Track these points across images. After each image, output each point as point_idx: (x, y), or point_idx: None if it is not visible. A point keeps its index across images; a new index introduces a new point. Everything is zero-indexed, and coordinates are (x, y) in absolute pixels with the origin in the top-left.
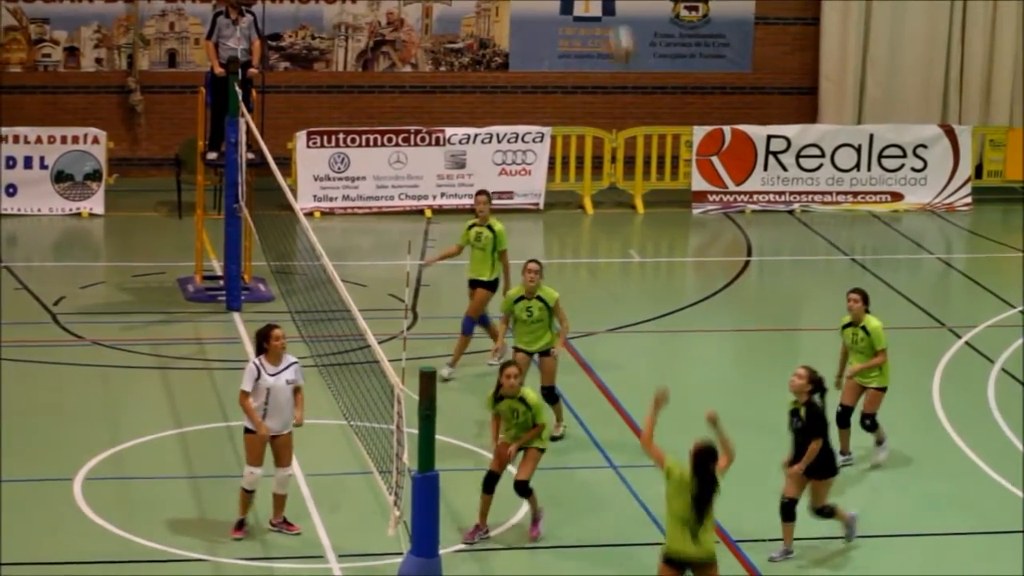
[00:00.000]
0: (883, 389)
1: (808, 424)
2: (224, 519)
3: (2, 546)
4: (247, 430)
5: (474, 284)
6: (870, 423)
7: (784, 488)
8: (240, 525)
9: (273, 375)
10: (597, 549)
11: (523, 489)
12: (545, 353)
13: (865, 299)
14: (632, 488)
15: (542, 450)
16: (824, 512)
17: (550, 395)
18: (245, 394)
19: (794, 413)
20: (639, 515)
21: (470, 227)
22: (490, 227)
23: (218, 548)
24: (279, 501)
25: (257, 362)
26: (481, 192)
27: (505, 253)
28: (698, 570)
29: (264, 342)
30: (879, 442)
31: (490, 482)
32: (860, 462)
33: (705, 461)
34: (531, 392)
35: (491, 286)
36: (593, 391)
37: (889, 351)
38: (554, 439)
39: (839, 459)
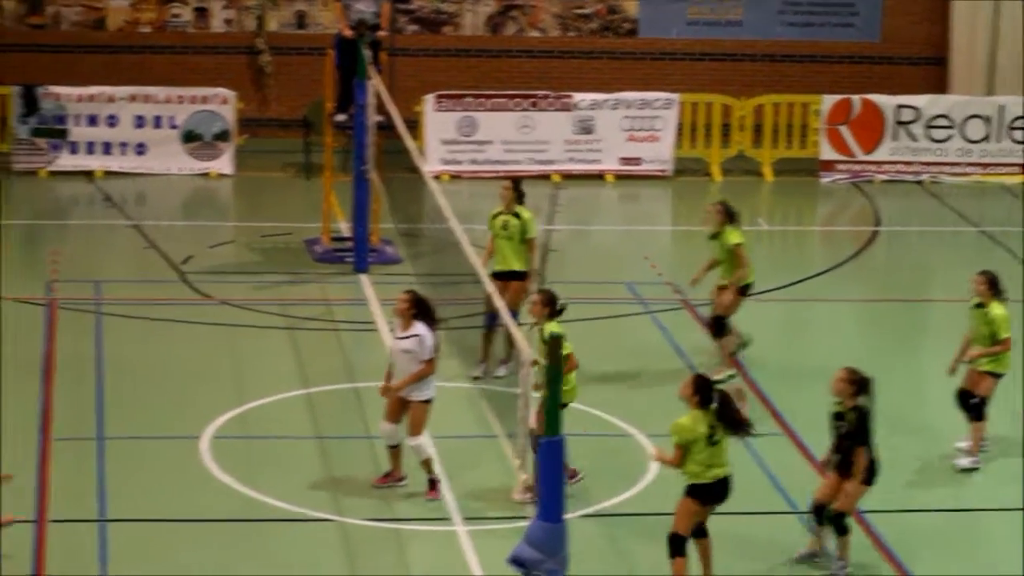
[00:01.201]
0: (995, 375)
1: (855, 429)
2: (350, 479)
3: (131, 503)
4: None
5: (505, 276)
6: (974, 405)
7: (818, 491)
8: (386, 475)
9: (397, 339)
10: (723, 517)
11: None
12: None
13: (991, 283)
14: (757, 454)
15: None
16: (840, 524)
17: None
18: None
19: (838, 416)
20: (764, 483)
21: (495, 216)
22: (517, 215)
23: (344, 508)
24: (423, 465)
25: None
26: (509, 178)
27: (533, 241)
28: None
29: None
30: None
31: None
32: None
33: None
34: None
35: (525, 277)
36: (719, 357)
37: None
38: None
39: (967, 461)
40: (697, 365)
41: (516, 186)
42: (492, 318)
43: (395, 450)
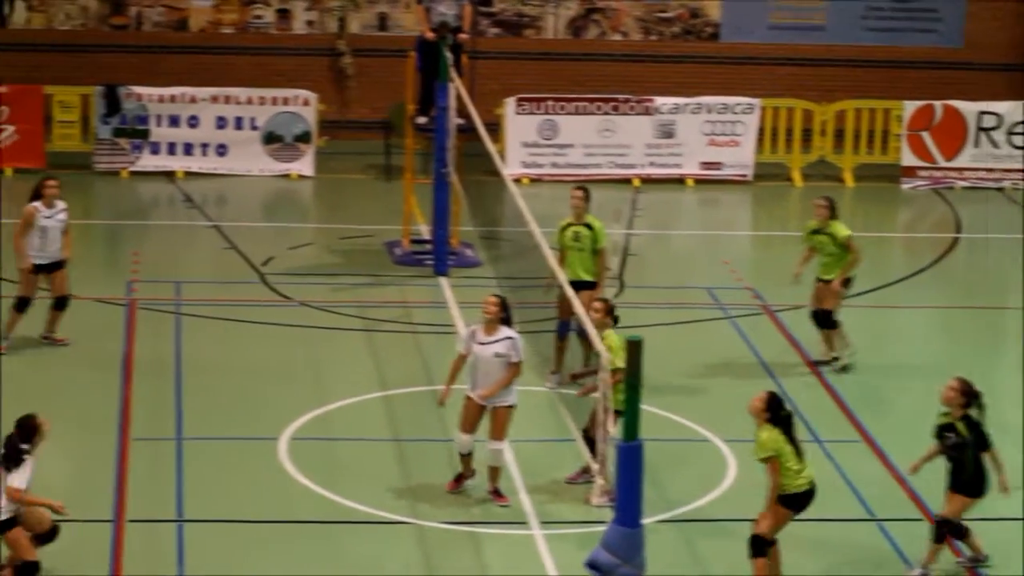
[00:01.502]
0: None
1: (972, 438)
2: (427, 482)
3: (208, 504)
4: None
5: (575, 287)
6: None
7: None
8: (457, 479)
9: (482, 344)
10: (797, 523)
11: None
12: None
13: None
14: (838, 464)
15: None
16: (954, 529)
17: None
18: (460, 356)
19: (947, 428)
20: (843, 489)
21: (565, 227)
22: (588, 225)
23: (421, 511)
24: (492, 472)
25: (475, 328)
26: (579, 187)
27: (604, 251)
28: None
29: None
30: None
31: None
32: None
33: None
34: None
35: (595, 287)
36: (798, 363)
37: None
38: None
39: None
40: (774, 369)
41: (587, 195)
42: (564, 326)
43: (468, 457)
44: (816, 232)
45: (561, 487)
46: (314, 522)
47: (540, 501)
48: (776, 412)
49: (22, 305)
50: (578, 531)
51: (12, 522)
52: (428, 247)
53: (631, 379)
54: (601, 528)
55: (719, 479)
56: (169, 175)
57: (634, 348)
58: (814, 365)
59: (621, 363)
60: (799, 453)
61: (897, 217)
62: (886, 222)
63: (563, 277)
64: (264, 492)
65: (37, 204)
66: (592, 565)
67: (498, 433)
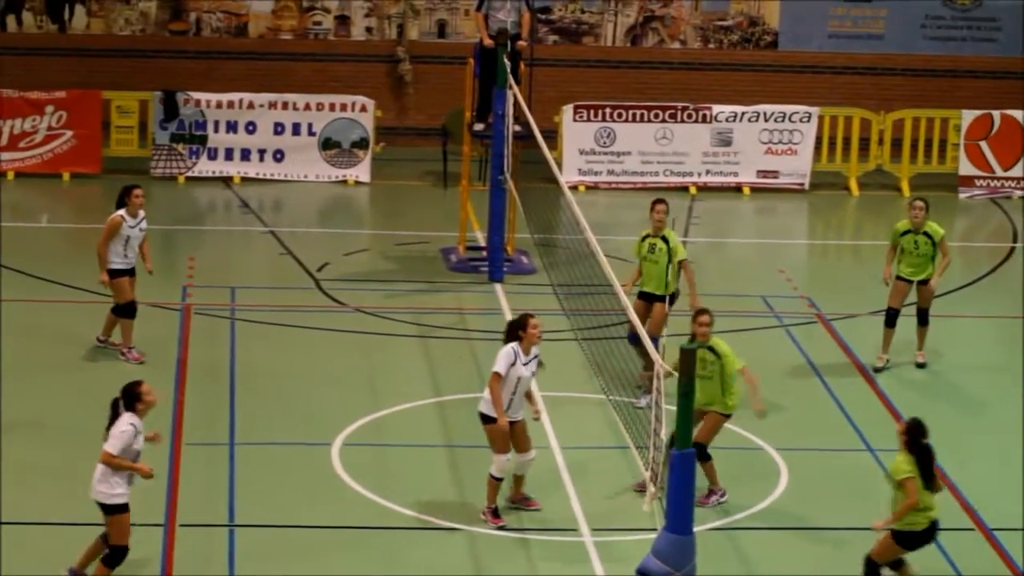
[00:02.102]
0: None
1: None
2: (479, 488)
3: (260, 509)
4: (487, 418)
5: (649, 298)
6: None
7: None
8: (496, 512)
9: (525, 364)
10: (850, 532)
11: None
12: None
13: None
14: (888, 471)
15: (725, 415)
16: None
17: None
18: (498, 377)
19: None
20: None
21: (643, 239)
22: (665, 238)
23: (473, 518)
24: (519, 480)
25: (515, 348)
26: (660, 200)
27: (685, 262)
28: None
29: (521, 330)
30: None
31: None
32: None
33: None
34: (721, 342)
35: (669, 300)
36: (852, 372)
37: None
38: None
39: None
40: (828, 377)
41: (668, 209)
42: (634, 338)
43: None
44: (911, 232)
45: (612, 494)
46: (365, 528)
47: (590, 507)
48: (914, 439)
49: (128, 311)
50: (630, 538)
51: (125, 508)
52: (483, 254)
53: (684, 387)
54: (652, 535)
55: (772, 487)
56: (226, 180)
57: (687, 356)
58: (864, 371)
59: (740, 364)
60: (929, 488)
61: (954, 226)
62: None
63: (617, 284)
64: (316, 497)
65: (122, 213)
66: (643, 573)
67: (529, 444)
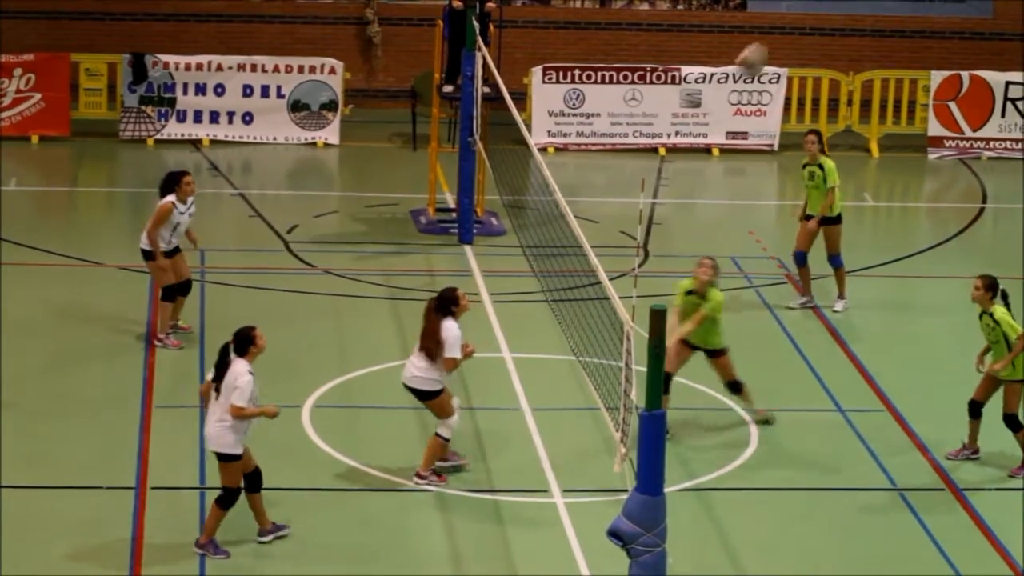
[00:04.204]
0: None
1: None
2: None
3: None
4: (432, 393)
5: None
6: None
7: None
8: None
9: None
10: (820, 492)
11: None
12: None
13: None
14: (858, 430)
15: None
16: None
17: None
18: (455, 362)
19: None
20: (866, 459)
21: (804, 167)
22: (820, 165)
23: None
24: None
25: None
26: (811, 131)
27: (833, 190)
28: None
29: (454, 305)
30: None
31: None
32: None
33: None
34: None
35: (836, 221)
36: (822, 332)
37: None
38: None
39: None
40: (797, 337)
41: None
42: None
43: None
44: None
45: (583, 455)
46: (336, 489)
47: (561, 468)
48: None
49: (171, 293)
50: (600, 499)
51: (240, 456)
52: (453, 216)
53: (654, 348)
54: (623, 497)
55: (742, 448)
56: (195, 143)
57: (657, 317)
58: (835, 332)
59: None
60: None
61: (923, 187)
62: (912, 192)
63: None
64: (287, 459)
65: (172, 199)
66: (614, 533)
67: None
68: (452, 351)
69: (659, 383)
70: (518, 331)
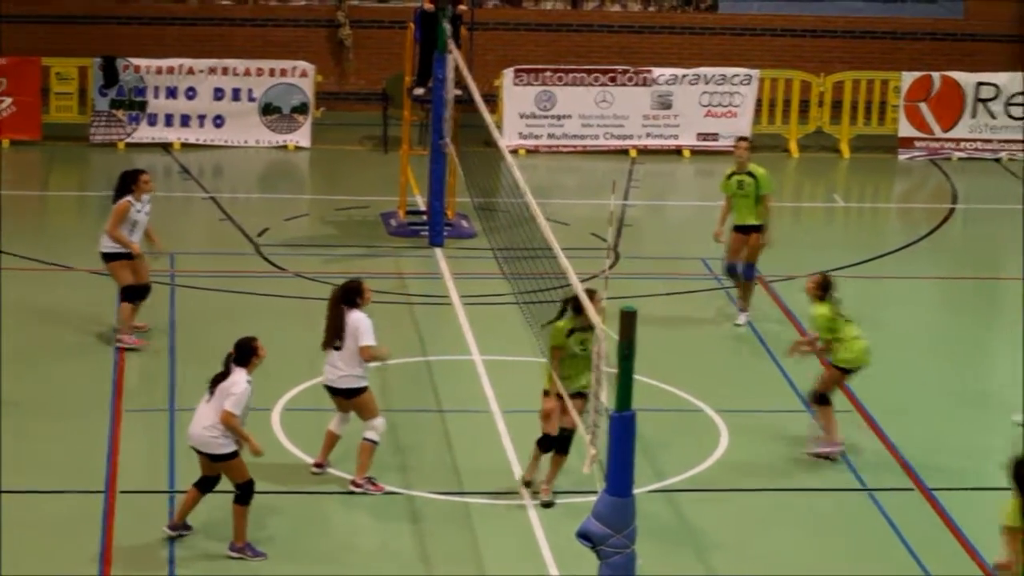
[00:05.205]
0: None
1: None
2: (421, 454)
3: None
4: (358, 391)
5: (743, 230)
6: None
7: None
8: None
9: None
10: (789, 494)
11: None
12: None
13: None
14: None
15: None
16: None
17: None
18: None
19: None
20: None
21: (730, 176)
22: (751, 173)
23: (413, 482)
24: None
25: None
26: (742, 138)
27: (767, 197)
28: None
29: (359, 297)
30: None
31: None
32: None
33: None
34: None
35: (759, 230)
36: (793, 335)
37: None
38: None
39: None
40: (768, 339)
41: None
42: (750, 269)
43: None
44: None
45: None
46: (306, 493)
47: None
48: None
49: (129, 295)
50: (570, 501)
51: (236, 453)
52: (424, 218)
53: (624, 350)
54: (592, 498)
55: (711, 449)
56: (166, 147)
57: (627, 319)
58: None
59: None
60: None
61: (893, 188)
62: (882, 193)
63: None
64: (257, 463)
65: (130, 199)
66: (583, 535)
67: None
68: (367, 338)
69: (629, 384)
70: (488, 333)
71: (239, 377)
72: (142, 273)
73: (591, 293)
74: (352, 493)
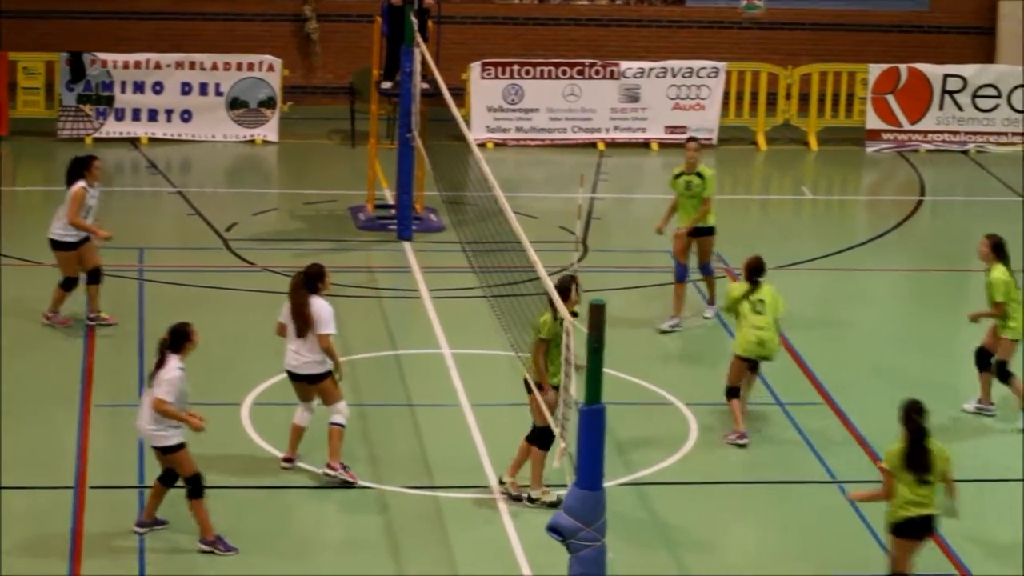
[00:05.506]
0: (1014, 340)
1: None
2: (391, 447)
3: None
4: (322, 375)
5: (692, 232)
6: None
7: None
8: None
9: None
10: (758, 486)
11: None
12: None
13: (995, 246)
14: (796, 423)
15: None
16: None
17: None
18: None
19: None
20: (804, 451)
21: (678, 176)
22: (700, 174)
23: (384, 476)
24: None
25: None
26: (691, 139)
27: (710, 199)
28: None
29: (319, 281)
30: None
31: None
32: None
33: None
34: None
35: (711, 232)
36: None
37: None
38: None
39: (970, 405)
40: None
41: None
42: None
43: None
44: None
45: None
46: (276, 487)
47: (501, 463)
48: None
49: (71, 284)
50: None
51: (182, 445)
52: (392, 212)
53: (593, 343)
54: (563, 491)
55: (681, 442)
56: (133, 141)
57: (596, 312)
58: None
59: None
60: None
61: (861, 180)
62: (850, 185)
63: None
64: (226, 457)
65: (83, 184)
66: (554, 529)
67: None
68: (328, 327)
69: (599, 378)
70: (457, 327)
71: (172, 363)
72: (91, 258)
73: (571, 280)
74: (323, 487)
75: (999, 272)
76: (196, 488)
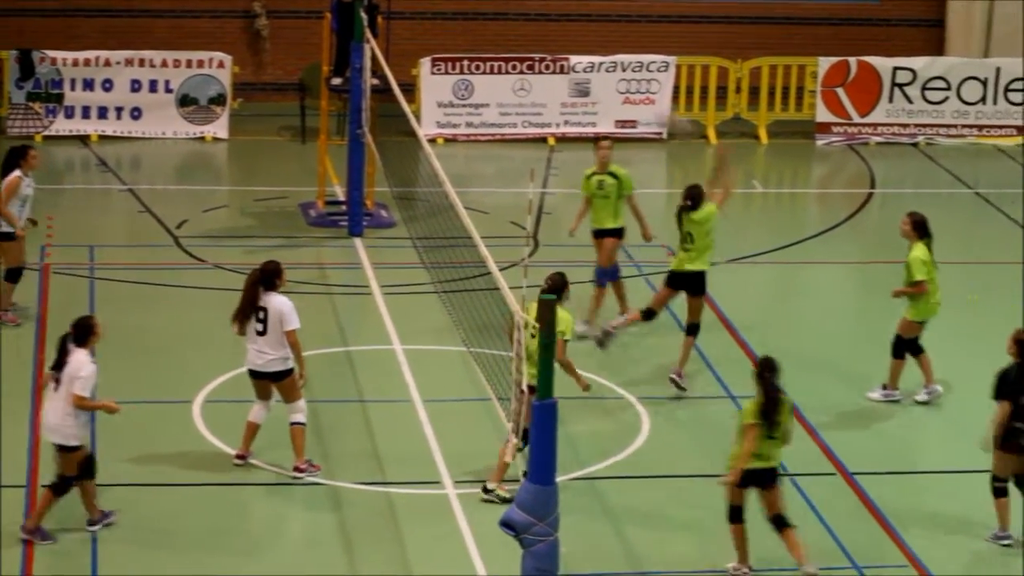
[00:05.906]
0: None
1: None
2: (343, 443)
3: (122, 467)
4: (285, 373)
5: (600, 234)
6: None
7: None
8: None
9: None
10: (712, 479)
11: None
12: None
13: (916, 224)
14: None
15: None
16: None
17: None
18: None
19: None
20: None
21: (590, 176)
22: (612, 174)
23: (336, 472)
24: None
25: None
26: (605, 137)
27: (632, 197)
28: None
29: (277, 277)
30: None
31: None
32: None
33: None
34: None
35: (618, 234)
36: (712, 320)
37: (1003, 286)
38: None
39: (878, 394)
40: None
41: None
42: (603, 274)
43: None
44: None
45: (475, 446)
46: (228, 484)
47: (453, 459)
48: (760, 373)
49: (15, 275)
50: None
51: (80, 446)
52: (343, 208)
53: (544, 338)
54: (516, 486)
55: (634, 436)
56: (83, 139)
57: (546, 307)
58: (724, 319)
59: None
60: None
61: (811, 173)
62: (800, 178)
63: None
64: (178, 455)
65: (19, 173)
66: (506, 524)
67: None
68: (293, 322)
69: (550, 372)
70: (408, 323)
71: (82, 358)
72: (19, 255)
73: (563, 280)
74: (276, 484)
75: (918, 251)
76: (64, 488)
